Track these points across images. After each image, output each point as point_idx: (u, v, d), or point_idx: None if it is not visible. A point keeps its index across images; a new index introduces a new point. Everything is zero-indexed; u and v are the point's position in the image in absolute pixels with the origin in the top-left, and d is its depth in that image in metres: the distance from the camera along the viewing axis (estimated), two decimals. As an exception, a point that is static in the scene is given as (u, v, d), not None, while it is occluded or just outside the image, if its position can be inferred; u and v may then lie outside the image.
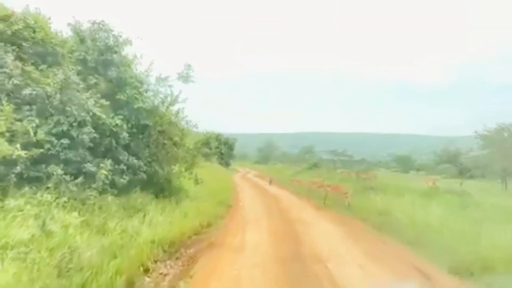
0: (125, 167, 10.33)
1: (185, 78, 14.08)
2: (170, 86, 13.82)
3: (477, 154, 29.72)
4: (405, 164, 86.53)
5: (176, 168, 14.02)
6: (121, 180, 9.86)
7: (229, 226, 10.67)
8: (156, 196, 11.92)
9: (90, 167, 8.67)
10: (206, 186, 16.96)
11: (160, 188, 12.62)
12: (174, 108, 14.28)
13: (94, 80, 10.59)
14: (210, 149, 51.14)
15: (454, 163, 35.34)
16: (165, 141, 13.13)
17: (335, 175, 30.83)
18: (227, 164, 51.95)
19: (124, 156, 10.60)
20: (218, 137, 51.81)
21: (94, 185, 8.53)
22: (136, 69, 12.91)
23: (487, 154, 27.32)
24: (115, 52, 11.33)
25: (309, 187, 19.86)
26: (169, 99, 13.94)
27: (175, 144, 13.37)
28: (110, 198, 8.63)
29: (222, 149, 51.19)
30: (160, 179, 12.52)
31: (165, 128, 13.29)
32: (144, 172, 11.55)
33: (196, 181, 14.07)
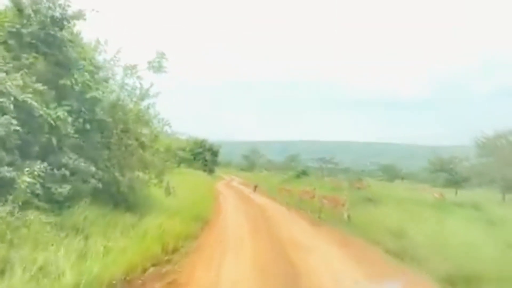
0: (67, 173, 7.76)
1: (156, 68, 11.66)
2: (139, 77, 11.45)
3: (474, 162, 28.01)
4: (390, 172, 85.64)
5: (143, 175, 11.45)
6: (59, 190, 7.31)
7: (202, 252, 8.10)
8: (114, 210, 9.37)
9: (5, 171, 6.11)
10: (183, 195, 14.46)
11: (121, 200, 10.06)
12: (144, 104, 11.92)
13: (30, 60, 8.04)
14: (193, 155, 48.58)
15: (448, 172, 33.65)
16: (130, 142, 10.61)
17: (325, 183, 28.58)
18: (211, 171, 49.23)
19: (68, 158, 8.03)
20: (202, 143, 49.22)
21: (11, 197, 5.99)
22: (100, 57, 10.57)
23: (485, 162, 25.61)
24: (62, 28, 8.79)
25: (300, 198, 17.46)
26: (138, 92, 11.56)
27: (142, 145, 10.85)
28: (33, 215, 6.05)
29: (206, 156, 48.56)
30: (121, 187, 9.94)
31: (131, 127, 10.80)
32: (100, 179, 8.99)
33: (167, 191, 11.52)
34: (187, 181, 24.89)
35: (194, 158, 47.29)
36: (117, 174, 9.81)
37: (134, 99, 11.43)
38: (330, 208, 14.11)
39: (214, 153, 50.92)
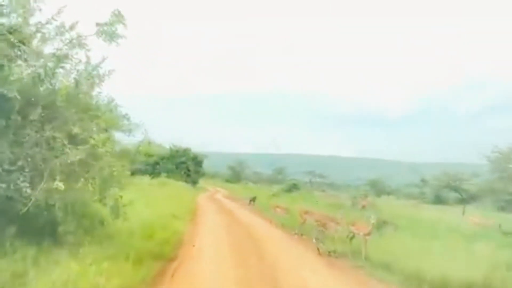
0: None
1: (110, 34, 7.96)
2: (82, 45, 7.75)
3: (486, 178, 24.85)
4: (377, 187, 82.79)
5: (83, 186, 7.45)
6: None
7: None
8: (13, 243, 5.49)
9: None
10: (151, 214, 10.59)
11: (31, 227, 6.15)
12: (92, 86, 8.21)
13: None
14: (176, 164, 44.35)
15: (454, 189, 30.46)
16: (55, 134, 6.72)
17: (320, 199, 24.89)
18: (194, 182, 44.99)
19: None
20: (185, 152, 45.06)
21: None
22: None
23: (499, 178, 22.47)
24: None
25: (302, 220, 12.82)
26: (82, 68, 7.88)
27: (74, 139, 6.95)
28: None
29: (189, 165, 44.34)
30: (30, 207, 6.00)
31: (58, 111, 6.96)
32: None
33: (116, 213, 7.56)
34: (162, 194, 20.87)
35: (176, 168, 43.04)
36: (22, 184, 5.91)
37: (74, 76, 7.67)
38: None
39: (198, 163, 46.71)
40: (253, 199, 17.63)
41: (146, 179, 32.21)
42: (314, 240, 10.26)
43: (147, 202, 14.23)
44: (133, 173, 37.83)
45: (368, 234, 9.27)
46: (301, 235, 12.27)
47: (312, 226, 11.27)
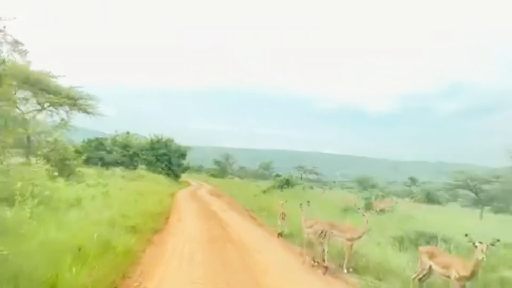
0: None
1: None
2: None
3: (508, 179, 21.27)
4: (363, 185, 79.75)
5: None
6: None
7: None
8: None
9: None
10: (87, 219, 6.13)
11: None
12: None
13: None
14: (156, 156, 39.47)
15: (472, 190, 26.74)
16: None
17: (325, 199, 20.67)
18: (176, 176, 40.21)
19: None
20: (166, 143, 40.13)
21: None
22: None
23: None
24: None
25: (317, 235, 7.46)
26: None
27: None
28: None
29: (171, 158, 39.47)
30: None
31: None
32: None
33: None
34: (130, 190, 16.29)
35: (157, 160, 38.13)
36: None
37: None
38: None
39: (181, 156, 41.82)
40: (280, 234, 9.80)
41: (118, 171, 27.40)
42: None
43: (94, 201, 9.71)
44: (105, 165, 32.86)
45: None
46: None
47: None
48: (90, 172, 23.78)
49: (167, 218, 12.12)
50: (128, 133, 40.79)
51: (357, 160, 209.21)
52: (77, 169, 16.28)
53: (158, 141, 39.35)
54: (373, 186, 80.00)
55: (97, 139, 38.60)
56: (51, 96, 18.92)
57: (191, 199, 22.19)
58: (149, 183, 24.37)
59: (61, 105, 19.50)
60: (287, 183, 27.74)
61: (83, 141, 40.36)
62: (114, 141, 38.39)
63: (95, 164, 33.19)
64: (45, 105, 19.24)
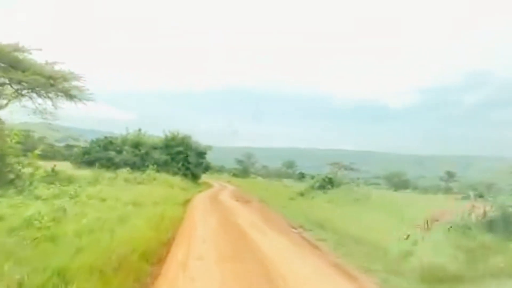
0: None
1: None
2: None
3: None
4: (395, 181, 72.66)
5: None
6: None
7: None
8: None
9: None
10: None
11: None
12: None
13: None
14: (171, 155, 33.99)
15: None
16: None
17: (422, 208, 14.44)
18: (195, 177, 34.53)
19: None
20: (184, 140, 34.49)
21: None
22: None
23: None
24: None
25: None
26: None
27: None
28: None
29: (188, 156, 33.78)
30: None
31: None
32: None
33: None
34: (128, 197, 10.57)
35: (172, 159, 32.53)
36: None
37: None
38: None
39: (200, 154, 36.15)
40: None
41: (123, 173, 21.85)
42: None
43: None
44: (114, 166, 27.40)
45: None
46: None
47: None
48: (83, 175, 18.31)
49: (160, 261, 6.09)
50: (140, 130, 35.44)
51: (378, 156, 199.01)
52: (28, 170, 10.62)
53: (173, 138, 33.73)
54: (405, 183, 72.89)
55: (105, 138, 33.47)
56: (19, 72, 13.40)
57: (210, 207, 16.24)
58: (158, 188, 18.65)
59: (33, 86, 13.93)
60: (330, 182, 21.48)
61: (92, 140, 35.45)
62: (124, 140, 33.10)
63: (105, 166, 28.02)
64: (11, 87, 13.74)
